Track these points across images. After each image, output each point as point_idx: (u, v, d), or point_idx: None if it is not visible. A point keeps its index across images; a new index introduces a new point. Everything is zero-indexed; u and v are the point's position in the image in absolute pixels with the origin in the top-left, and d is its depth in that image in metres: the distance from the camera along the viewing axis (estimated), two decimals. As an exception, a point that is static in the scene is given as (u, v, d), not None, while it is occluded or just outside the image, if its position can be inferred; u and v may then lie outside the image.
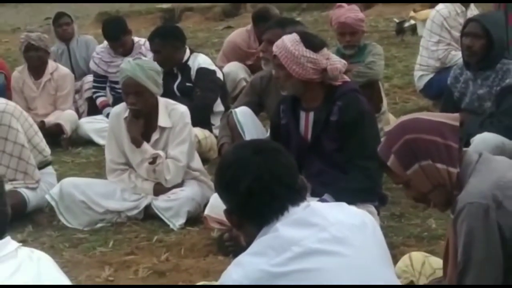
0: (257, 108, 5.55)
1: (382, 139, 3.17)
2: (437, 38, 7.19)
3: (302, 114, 4.74)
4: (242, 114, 5.35)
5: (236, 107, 5.52)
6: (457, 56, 6.65)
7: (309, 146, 4.70)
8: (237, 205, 2.56)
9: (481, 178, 2.96)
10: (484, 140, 5.30)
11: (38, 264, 2.43)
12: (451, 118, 3.10)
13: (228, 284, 2.42)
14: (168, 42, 6.72)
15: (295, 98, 4.74)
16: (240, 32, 8.36)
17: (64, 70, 7.95)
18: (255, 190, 2.50)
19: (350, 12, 6.45)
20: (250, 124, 5.31)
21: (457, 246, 2.95)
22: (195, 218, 5.34)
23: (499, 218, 2.87)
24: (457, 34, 6.56)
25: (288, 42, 4.56)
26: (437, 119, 3.08)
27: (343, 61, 4.72)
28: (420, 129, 3.04)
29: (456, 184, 3.01)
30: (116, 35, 7.68)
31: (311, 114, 4.70)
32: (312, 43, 4.59)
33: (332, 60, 4.61)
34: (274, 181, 2.50)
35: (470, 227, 2.87)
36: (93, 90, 8.02)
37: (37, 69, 7.76)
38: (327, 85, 4.63)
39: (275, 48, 4.62)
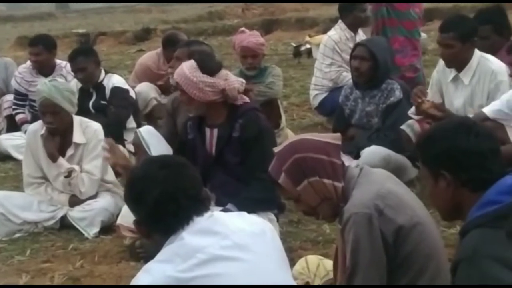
0: (175, 128, 5.48)
1: (275, 163, 3.16)
2: (329, 61, 7.25)
3: (207, 131, 4.73)
4: (147, 132, 5.28)
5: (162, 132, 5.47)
6: (347, 76, 6.71)
7: (214, 159, 4.69)
8: (145, 216, 2.53)
9: (363, 190, 3.00)
10: (372, 152, 5.37)
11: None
12: (334, 138, 3.14)
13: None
14: (91, 59, 6.66)
15: (201, 116, 4.73)
16: (150, 55, 8.28)
17: (-17, 90, 7.73)
18: (162, 202, 2.47)
19: (252, 37, 6.46)
20: (155, 141, 5.26)
21: (345, 252, 2.98)
22: (109, 227, 5.27)
23: (381, 225, 2.91)
24: (347, 57, 6.62)
25: (187, 70, 4.57)
26: (322, 140, 3.12)
27: (241, 79, 4.74)
28: (308, 149, 3.07)
29: (341, 197, 3.05)
30: (42, 42, 7.54)
31: (215, 131, 4.69)
32: (208, 68, 4.60)
33: (230, 81, 4.62)
34: (179, 193, 2.48)
35: (356, 235, 2.91)
36: (13, 107, 7.81)
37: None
38: (229, 104, 4.63)
39: (176, 75, 4.62)
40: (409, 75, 7.01)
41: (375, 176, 3.08)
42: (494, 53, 5.57)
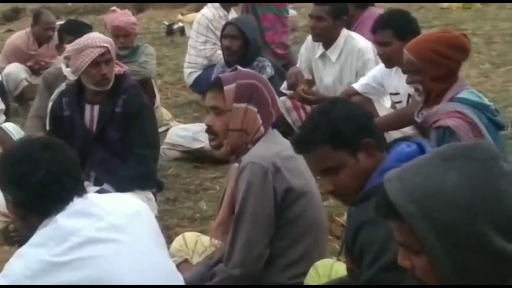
0: None
1: (233, 73, 3.23)
2: (204, 39, 7.26)
3: (87, 107, 4.66)
4: (13, 128, 5.41)
5: (36, 108, 5.49)
6: (222, 54, 6.73)
7: (94, 136, 4.63)
8: (26, 199, 2.44)
9: (267, 146, 3.12)
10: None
11: None
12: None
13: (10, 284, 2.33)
14: None
15: (80, 91, 4.66)
16: (20, 35, 8.07)
17: None
18: (47, 183, 2.41)
19: (123, 16, 6.39)
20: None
21: (234, 196, 3.09)
22: (-20, 213, 5.11)
23: (275, 182, 3.03)
24: (220, 35, 6.65)
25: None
26: (276, 98, 3.29)
27: None
28: (267, 87, 3.21)
29: (253, 140, 3.14)
30: None
31: (96, 107, 4.64)
32: None
33: None
34: (64, 174, 2.44)
35: (249, 183, 3.03)
36: None
37: None
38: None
39: (106, 43, 4.53)
40: (280, 52, 7.11)
41: (281, 140, 3.21)
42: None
